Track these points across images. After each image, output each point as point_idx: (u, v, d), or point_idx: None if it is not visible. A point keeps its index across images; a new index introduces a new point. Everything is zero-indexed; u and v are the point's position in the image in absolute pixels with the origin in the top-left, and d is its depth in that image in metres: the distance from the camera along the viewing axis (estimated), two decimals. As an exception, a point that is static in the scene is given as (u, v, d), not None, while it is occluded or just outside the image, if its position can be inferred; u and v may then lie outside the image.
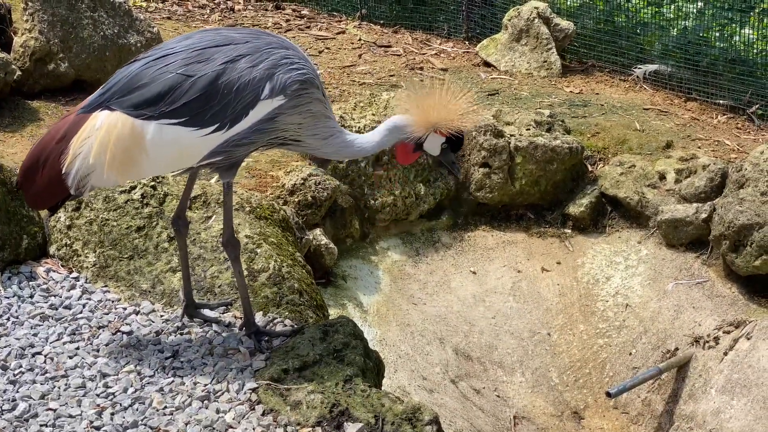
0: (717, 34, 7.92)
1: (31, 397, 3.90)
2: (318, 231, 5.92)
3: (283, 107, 3.86)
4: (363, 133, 6.30)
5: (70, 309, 4.46)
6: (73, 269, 4.75)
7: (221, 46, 3.85)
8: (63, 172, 3.86)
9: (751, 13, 7.84)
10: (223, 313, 4.44)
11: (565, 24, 8.53)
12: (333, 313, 5.47)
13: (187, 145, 3.83)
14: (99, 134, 3.82)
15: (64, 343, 4.24)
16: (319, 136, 3.99)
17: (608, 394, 5.81)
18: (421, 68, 8.44)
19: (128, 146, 3.81)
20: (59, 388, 3.98)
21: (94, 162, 3.82)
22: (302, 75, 3.86)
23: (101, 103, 3.87)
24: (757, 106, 7.59)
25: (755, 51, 7.73)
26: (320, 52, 8.65)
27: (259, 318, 4.36)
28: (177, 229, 4.27)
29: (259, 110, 3.83)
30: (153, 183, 4.91)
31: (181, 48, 3.86)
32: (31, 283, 4.65)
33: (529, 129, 6.77)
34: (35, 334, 4.28)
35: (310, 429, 3.75)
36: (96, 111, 3.86)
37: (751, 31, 7.74)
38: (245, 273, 4.53)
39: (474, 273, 6.47)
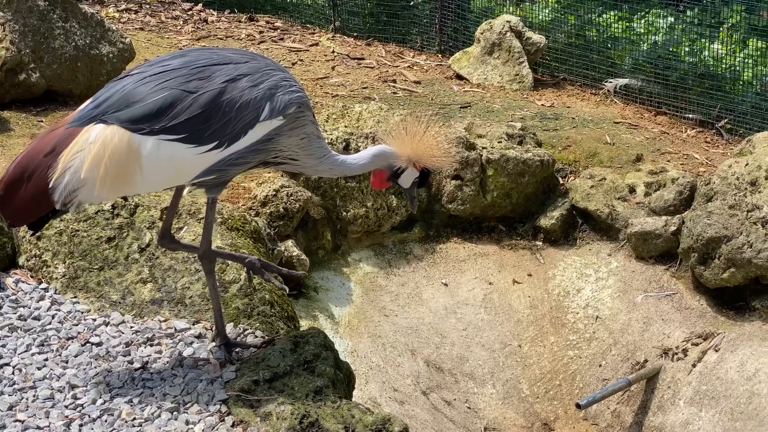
0: (687, 49, 8.01)
1: (-2, 409, 3.88)
2: (290, 242, 5.92)
3: (281, 128, 3.89)
4: (334, 144, 6.35)
5: (39, 320, 4.44)
6: (43, 280, 4.72)
7: (221, 64, 3.85)
8: (50, 186, 3.77)
9: (721, 29, 7.93)
10: (193, 325, 4.43)
11: (536, 38, 8.60)
12: (304, 324, 5.47)
13: (183, 162, 3.81)
14: (93, 148, 3.74)
15: (33, 355, 4.21)
16: (314, 156, 4.04)
17: (578, 406, 5.84)
18: (394, 81, 8.47)
19: (123, 161, 3.75)
20: (27, 399, 3.96)
21: (85, 176, 3.74)
22: (300, 98, 3.91)
23: (95, 116, 3.79)
24: (725, 120, 7.67)
25: (724, 66, 7.82)
26: (293, 64, 8.67)
27: (230, 329, 4.36)
28: (166, 248, 4.25)
29: (259, 130, 3.84)
30: (124, 194, 4.90)
31: (179, 65, 3.83)
32: (-1, 293, 4.62)
33: (500, 142, 6.81)
34: (3, 345, 4.26)
35: (280, 440, 3.75)
36: (89, 124, 3.79)
37: (720, 47, 7.84)
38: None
39: (445, 285, 6.50)
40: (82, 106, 3.92)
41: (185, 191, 5.31)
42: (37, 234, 4.82)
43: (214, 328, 4.28)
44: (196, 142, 3.78)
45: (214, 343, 4.26)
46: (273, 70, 3.91)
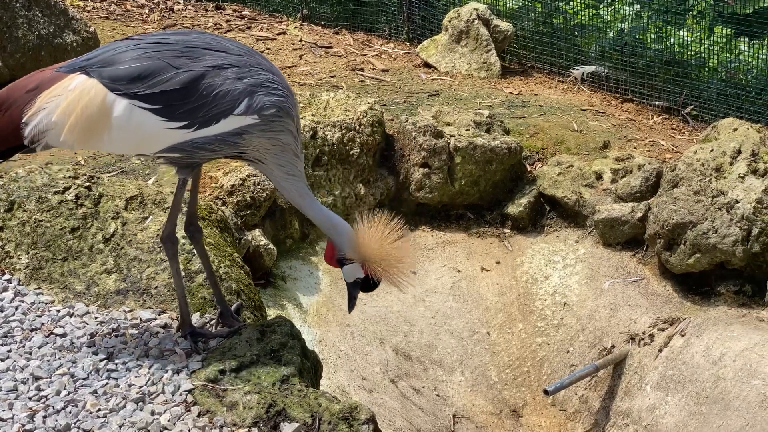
0: (653, 36, 8.04)
1: (-39, 402, 3.84)
2: (257, 232, 5.90)
3: (254, 127, 3.85)
4: (301, 133, 6.32)
5: (2, 311, 4.38)
6: (6, 271, 4.67)
7: (214, 50, 3.85)
8: (23, 121, 3.85)
9: (687, 16, 7.97)
10: (159, 315, 4.40)
11: (504, 25, 8.60)
12: (272, 313, 5.45)
13: (150, 132, 3.81)
14: (70, 95, 3.81)
15: (-4, 347, 4.17)
16: (283, 169, 3.98)
17: (546, 392, 5.87)
18: (362, 69, 8.45)
19: (94, 116, 3.80)
20: (-10, 391, 3.92)
21: (56, 120, 3.81)
22: (281, 102, 3.85)
23: (82, 67, 3.86)
24: (691, 107, 7.72)
25: (690, 53, 7.86)
26: (261, 53, 8.62)
27: (196, 319, 4.33)
28: (191, 236, 4.19)
29: (230, 122, 3.82)
30: (88, 184, 4.85)
31: (175, 41, 3.87)
32: (-38, 285, 4.56)
33: (468, 129, 6.82)
34: (-34, 338, 4.21)
35: (247, 430, 3.74)
36: (75, 73, 3.86)
37: (686, 34, 7.88)
38: (182, 274, 4.50)
39: (414, 273, 6.49)
40: (77, 57, 3.99)
41: (150, 182, 5.28)
42: None
43: (178, 317, 4.25)
44: (167, 116, 3.78)
45: (178, 333, 4.22)
46: (263, 69, 3.88)
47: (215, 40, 3.95)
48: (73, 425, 3.74)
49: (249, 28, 9.41)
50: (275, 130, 3.89)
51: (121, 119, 3.79)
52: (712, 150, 6.05)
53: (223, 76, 3.79)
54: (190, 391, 3.91)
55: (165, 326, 4.32)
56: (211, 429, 3.74)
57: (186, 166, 3.98)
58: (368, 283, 4.12)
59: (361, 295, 4.24)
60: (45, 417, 3.78)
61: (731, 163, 5.97)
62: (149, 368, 4.05)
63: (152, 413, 3.82)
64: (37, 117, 3.84)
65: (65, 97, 3.82)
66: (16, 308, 4.42)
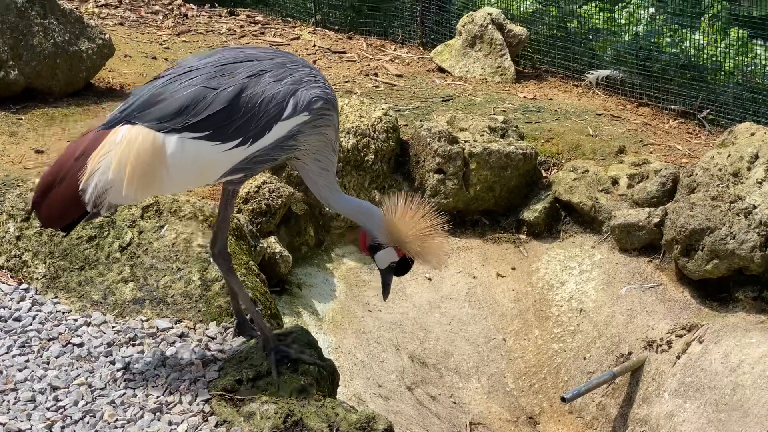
0: (668, 40, 8.01)
1: (-21, 412, 3.84)
2: (272, 239, 5.89)
3: (306, 125, 3.77)
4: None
5: (19, 321, 4.40)
6: (23, 280, 4.68)
7: (245, 61, 3.77)
8: (80, 188, 3.74)
9: (702, 18, 7.93)
10: (175, 324, 4.39)
11: (518, 30, 8.59)
12: (288, 321, 5.45)
13: (208, 159, 3.72)
14: (119, 148, 3.70)
15: (14, 356, 4.17)
16: (320, 164, 3.92)
17: (563, 399, 5.84)
18: (376, 74, 8.44)
19: (149, 160, 3.69)
20: (8, 401, 3.92)
21: (113, 177, 3.71)
22: (325, 93, 3.79)
23: (122, 118, 3.76)
24: (707, 111, 7.68)
25: (705, 56, 7.82)
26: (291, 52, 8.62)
27: (212, 327, 4.33)
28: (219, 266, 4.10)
29: (283, 126, 3.74)
30: (104, 192, 4.86)
31: (204, 64, 3.78)
32: (-21, 295, 4.57)
33: (483, 135, 6.80)
34: (-16, 347, 4.22)
35: (264, 440, 3.73)
36: (117, 126, 3.76)
37: (701, 37, 7.84)
38: (198, 283, 4.50)
39: (429, 279, 6.49)
40: (114, 110, 3.89)
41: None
42: (17, 234, 4.78)
43: (260, 336, 4.09)
44: (220, 139, 3.69)
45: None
46: (298, 66, 3.81)
47: (243, 51, 3.87)
48: (91, 436, 3.74)
49: (263, 33, 9.42)
50: (323, 125, 3.83)
51: (176, 155, 3.69)
52: (729, 155, 6.01)
53: (263, 83, 3.72)
54: (207, 401, 3.91)
55: (182, 335, 4.32)
56: (229, 439, 3.74)
57: (241, 181, 3.93)
58: (403, 265, 4.05)
59: (376, 301, 4.23)
60: (63, 427, 3.78)
61: (749, 168, 5.93)
62: (166, 378, 4.05)
63: (170, 423, 3.82)
64: (93, 180, 3.73)
65: (115, 152, 3.71)
66: (34, 318, 4.42)
